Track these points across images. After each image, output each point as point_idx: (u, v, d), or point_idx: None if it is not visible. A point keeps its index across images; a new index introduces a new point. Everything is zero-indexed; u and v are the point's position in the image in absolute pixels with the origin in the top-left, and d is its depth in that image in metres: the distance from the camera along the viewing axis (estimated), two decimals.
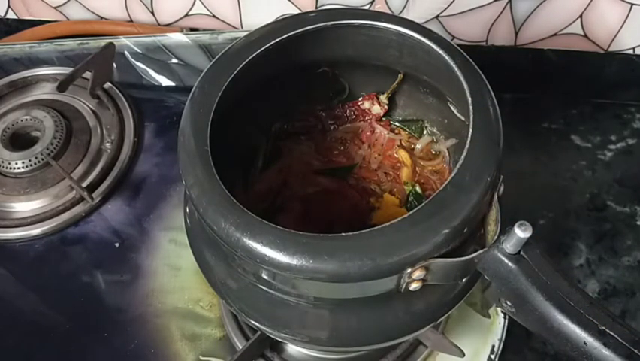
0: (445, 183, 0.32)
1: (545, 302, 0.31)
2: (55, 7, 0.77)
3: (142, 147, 0.67)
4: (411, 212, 0.31)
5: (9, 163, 0.62)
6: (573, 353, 0.30)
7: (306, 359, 0.52)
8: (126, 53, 0.73)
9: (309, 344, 0.38)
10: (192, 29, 0.75)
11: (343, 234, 0.31)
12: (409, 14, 0.67)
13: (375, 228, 0.31)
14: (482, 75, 0.37)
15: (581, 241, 0.60)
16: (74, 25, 0.77)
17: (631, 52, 0.67)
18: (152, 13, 0.75)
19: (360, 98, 0.49)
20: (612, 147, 0.67)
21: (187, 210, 0.42)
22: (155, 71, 0.73)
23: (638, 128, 0.68)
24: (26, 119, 0.65)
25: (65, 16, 0.78)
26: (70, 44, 0.75)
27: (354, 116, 0.50)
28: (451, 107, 0.43)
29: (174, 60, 0.73)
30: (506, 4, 0.65)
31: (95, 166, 0.64)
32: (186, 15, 0.75)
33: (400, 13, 0.67)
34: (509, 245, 0.31)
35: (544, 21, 0.66)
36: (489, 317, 0.45)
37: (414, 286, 0.33)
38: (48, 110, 0.66)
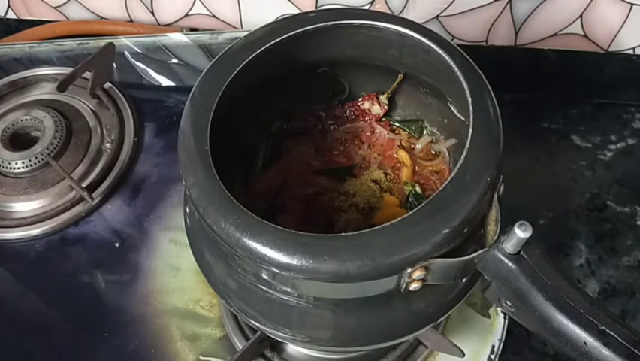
0: (445, 183, 0.32)
1: (545, 302, 0.31)
2: (55, 7, 0.77)
3: (142, 147, 0.67)
4: (411, 212, 0.31)
5: (9, 163, 0.62)
6: (573, 353, 0.31)
7: (306, 359, 0.52)
8: (126, 53, 0.73)
9: (309, 344, 0.38)
10: (192, 29, 0.75)
11: (343, 234, 0.31)
12: (409, 14, 0.67)
13: (375, 228, 0.31)
14: (482, 75, 0.37)
15: (581, 241, 0.60)
16: (74, 25, 0.77)
17: (631, 52, 0.67)
18: (152, 13, 0.75)
19: (360, 98, 0.49)
20: (612, 147, 0.67)
21: (187, 210, 0.42)
22: (155, 71, 0.73)
23: (638, 128, 0.68)
24: (26, 119, 0.65)
25: (65, 16, 0.78)
26: (70, 44, 0.75)
27: (354, 117, 0.50)
28: (451, 107, 0.43)
29: (174, 60, 0.73)
30: (506, 4, 0.64)
31: (95, 166, 0.64)
32: (186, 15, 0.75)
33: (399, 13, 0.67)
34: (509, 245, 0.31)
35: (544, 21, 0.66)
36: (489, 316, 0.45)
37: (414, 286, 0.33)
38: (48, 110, 0.66)
